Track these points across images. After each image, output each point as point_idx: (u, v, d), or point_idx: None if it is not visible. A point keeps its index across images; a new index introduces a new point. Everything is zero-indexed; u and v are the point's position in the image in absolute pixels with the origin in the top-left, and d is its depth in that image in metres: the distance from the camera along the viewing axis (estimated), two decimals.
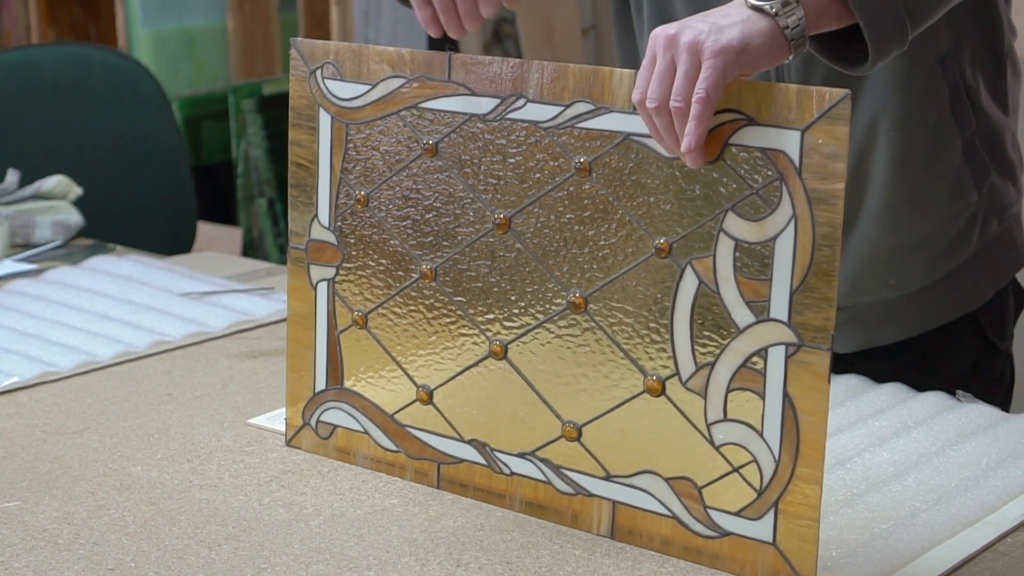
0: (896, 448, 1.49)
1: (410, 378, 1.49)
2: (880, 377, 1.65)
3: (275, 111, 3.52)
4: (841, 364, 1.68)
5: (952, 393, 1.63)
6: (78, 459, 1.52)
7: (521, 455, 1.42)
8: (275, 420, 1.61)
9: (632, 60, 1.67)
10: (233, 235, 3.45)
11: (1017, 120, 1.70)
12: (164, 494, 1.43)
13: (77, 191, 2.43)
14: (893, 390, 1.64)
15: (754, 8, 1.23)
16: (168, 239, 2.71)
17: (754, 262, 1.26)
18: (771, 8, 1.22)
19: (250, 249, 3.51)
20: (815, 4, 1.25)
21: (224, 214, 3.61)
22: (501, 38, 3.62)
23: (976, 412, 1.58)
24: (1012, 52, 1.66)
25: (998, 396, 1.69)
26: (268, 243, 3.52)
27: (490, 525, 1.37)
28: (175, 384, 1.74)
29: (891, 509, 1.36)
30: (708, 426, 1.30)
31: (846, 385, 1.65)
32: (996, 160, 1.64)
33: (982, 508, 1.37)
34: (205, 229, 3.30)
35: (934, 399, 1.61)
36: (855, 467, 1.45)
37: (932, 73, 1.55)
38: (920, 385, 1.63)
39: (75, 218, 2.39)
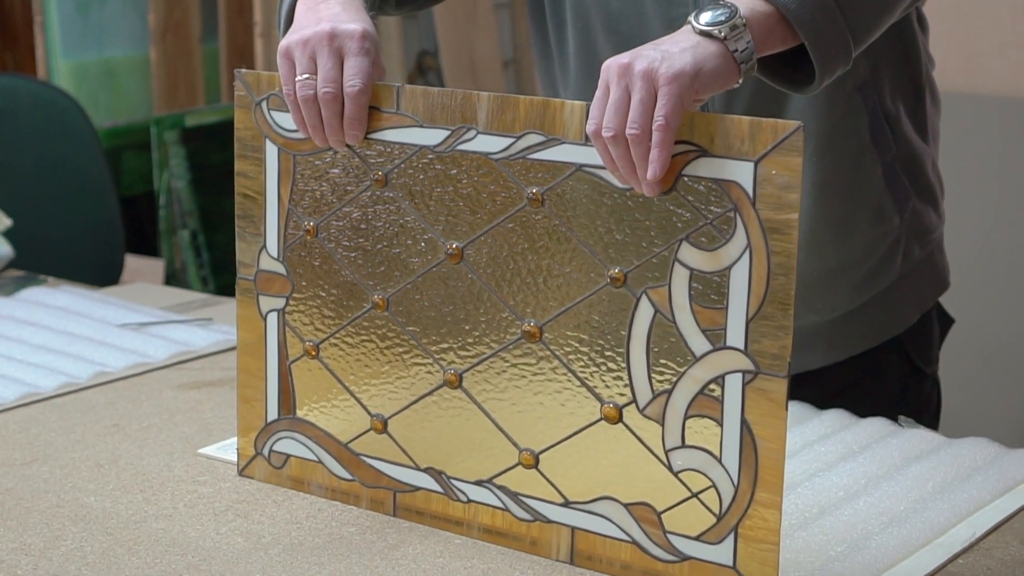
0: (844, 473, 1.52)
1: (364, 407, 1.49)
2: (810, 403, 1.68)
3: (198, 143, 3.50)
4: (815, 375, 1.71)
5: (890, 417, 1.66)
6: (29, 490, 1.50)
7: (478, 482, 1.42)
8: (225, 450, 1.61)
9: (554, 94, 1.68)
10: (155, 267, 3.43)
11: (937, 147, 1.74)
12: (120, 524, 1.42)
13: (6, 222, 2.41)
14: (836, 416, 1.67)
15: (703, 34, 1.25)
16: (96, 270, 2.69)
17: (709, 291, 1.27)
18: (720, 32, 1.25)
19: (172, 280, 3.49)
20: (761, 27, 1.27)
21: (145, 246, 3.58)
22: (424, 70, 3.63)
23: (918, 437, 1.61)
24: (931, 80, 1.70)
25: (926, 420, 1.72)
26: (191, 275, 3.50)
27: (449, 552, 1.38)
28: (120, 415, 1.72)
29: (844, 532, 1.39)
30: (666, 452, 1.32)
31: (790, 412, 1.68)
32: (917, 186, 1.67)
33: (932, 530, 1.40)
34: (127, 261, 3.28)
35: (877, 425, 1.64)
36: (806, 492, 1.48)
37: (851, 100, 1.58)
38: (851, 411, 1.67)
39: (4, 249, 2.36)
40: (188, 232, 3.49)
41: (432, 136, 1.40)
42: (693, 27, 1.26)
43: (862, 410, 1.66)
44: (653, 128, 1.22)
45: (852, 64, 1.34)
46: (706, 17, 1.26)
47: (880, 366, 1.71)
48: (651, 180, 1.24)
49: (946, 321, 1.79)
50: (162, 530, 1.41)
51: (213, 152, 3.46)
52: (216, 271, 3.42)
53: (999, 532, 1.41)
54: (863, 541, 1.37)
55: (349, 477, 1.50)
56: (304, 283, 1.51)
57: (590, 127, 1.26)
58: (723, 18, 1.25)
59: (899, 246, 1.67)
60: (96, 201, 2.77)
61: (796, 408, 1.68)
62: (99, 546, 1.38)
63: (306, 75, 1.37)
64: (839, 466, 1.53)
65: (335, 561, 1.35)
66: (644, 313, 1.31)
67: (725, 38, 1.25)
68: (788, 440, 1.57)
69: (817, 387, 1.71)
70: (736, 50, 1.26)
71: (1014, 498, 1.48)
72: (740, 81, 1.27)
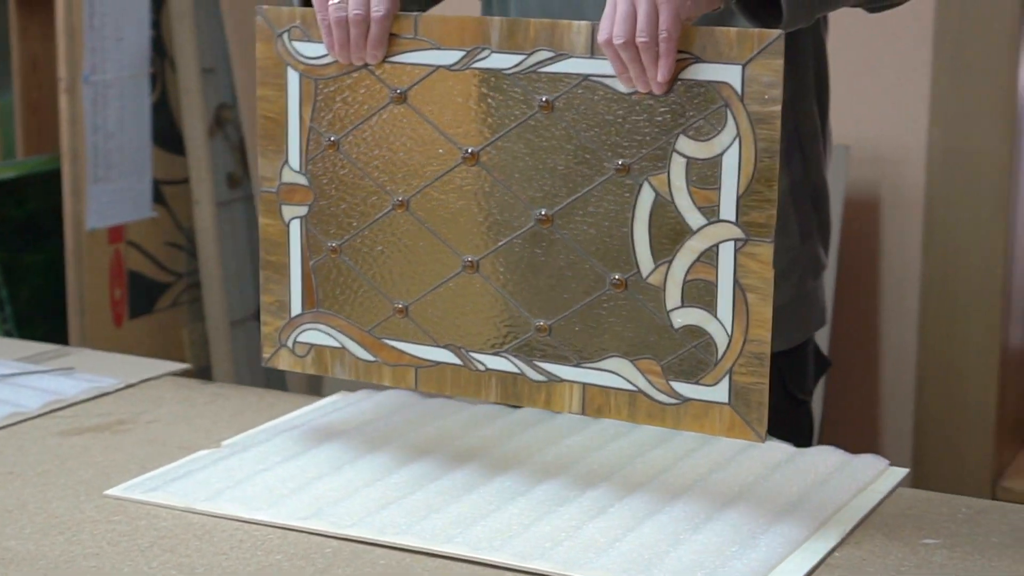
0: (718, 481, 1.65)
1: (385, 296, 1.68)
2: None
3: None
4: None
5: None
6: None
7: (495, 352, 1.63)
8: (132, 490, 1.66)
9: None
10: None
11: (828, 195, 1.90)
12: (51, 565, 1.47)
13: None
14: (696, 434, 1.80)
15: None
16: None
17: (705, 174, 1.50)
18: None
19: None
20: None
21: None
22: (222, 122, 3.69)
23: (773, 448, 1.76)
24: (829, 126, 1.88)
25: (799, 445, 1.87)
26: None
27: (380, 571, 1.46)
28: (12, 462, 1.76)
29: (734, 534, 1.52)
30: (668, 313, 1.55)
31: (659, 431, 1.80)
32: (819, 218, 1.84)
33: (806, 528, 1.54)
34: None
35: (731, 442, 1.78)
36: (691, 499, 1.60)
37: None
38: None
39: None
40: None
41: (448, 57, 1.61)
42: None
43: None
44: (659, 38, 1.46)
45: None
46: None
47: None
48: (661, 81, 1.48)
49: (823, 362, 1.95)
50: (95, 568, 1.46)
51: (11, 207, 3.45)
52: (20, 325, 3.41)
53: (863, 527, 1.57)
54: (751, 541, 1.51)
55: (372, 359, 1.70)
56: (327, 191, 1.70)
57: (602, 37, 1.49)
58: None
59: (795, 269, 1.83)
60: None
61: (659, 429, 1.81)
62: None
63: (339, 1, 1.62)
64: (712, 476, 1.67)
65: None
66: (646, 196, 1.54)
67: None
68: (666, 454, 1.72)
69: None
70: None
71: (868, 497, 1.64)
72: (721, 8, 1.54)
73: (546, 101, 1.57)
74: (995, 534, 1.55)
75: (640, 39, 1.47)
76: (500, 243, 1.62)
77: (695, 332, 1.54)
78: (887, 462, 1.73)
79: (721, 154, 1.50)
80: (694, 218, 1.52)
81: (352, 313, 1.71)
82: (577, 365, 1.60)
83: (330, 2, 1.63)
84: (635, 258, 1.56)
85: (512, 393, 1.64)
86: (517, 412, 1.87)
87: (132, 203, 3.50)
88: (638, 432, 1.81)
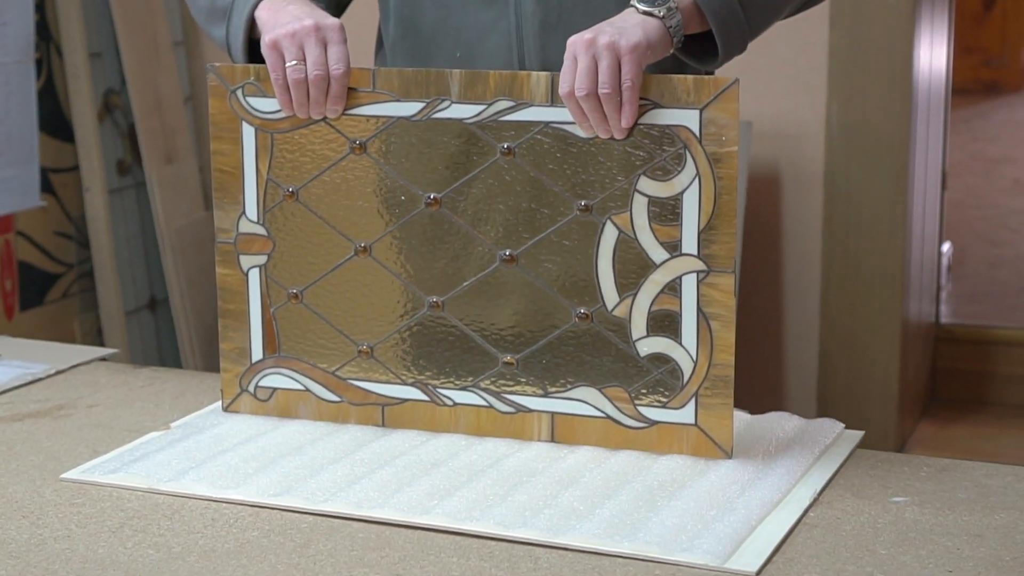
0: (673, 461, 1.65)
1: (350, 339, 1.69)
2: None
3: None
4: None
5: None
6: None
7: (463, 388, 1.65)
8: (89, 472, 1.62)
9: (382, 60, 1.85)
10: None
11: None
12: (23, 548, 1.43)
13: None
14: None
15: (645, 13, 1.58)
16: None
17: (666, 212, 1.56)
18: (659, 12, 1.58)
19: None
20: (686, 12, 1.61)
21: None
22: (111, 108, 3.61)
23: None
24: None
25: None
26: None
27: (360, 544, 1.44)
28: None
29: (710, 499, 1.53)
30: (633, 342, 1.59)
31: None
32: None
33: (778, 491, 1.56)
34: None
35: None
36: (660, 469, 1.61)
37: None
38: None
39: None
40: None
41: (408, 108, 1.64)
42: (636, 8, 1.59)
43: None
44: (623, 88, 1.54)
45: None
46: (647, 2, 1.58)
47: None
48: (625, 127, 1.56)
49: None
50: (67, 550, 1.43)
51: None
52: None
53: (831, 488, 1.59)
54: (728, 504, 1.52)
55: (337, 399, 1.70)
56: (286, 239, 1.71)
57: (563, 89, 1.56)
58: (662, 3, 1.58)
59: None
60: None
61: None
62: (12, 571, 1.38)
63: (295, 61, 1.64)
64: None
65: (258, 562, 1.40)
66: (609, 234, 1.59)
67: (663, 17, 1.58)
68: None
69: None
70: (670, 26, 1.59)
71: (830, 460, 1.66)
72: (671, 51, 1.61)
73: (507, 148, 1.62)
74: (959, 490, 1.57)
75: (603, 91, 1.54)
76: (465, 283, 1.65)
77: (661, 359, 1.61)
78: (842, 425, 1.75)
79: (681, 192, 1.57)
80: (657, 253, 1.59)
81: (315, 356, 1.72)
82: (545, 395, 1.65)
83: (286, 63, 1.64)
84: (600, 292, 1.61)
85: (481, 426, 1.67)
86: None
87: (21, 192, 3.41)
88: None
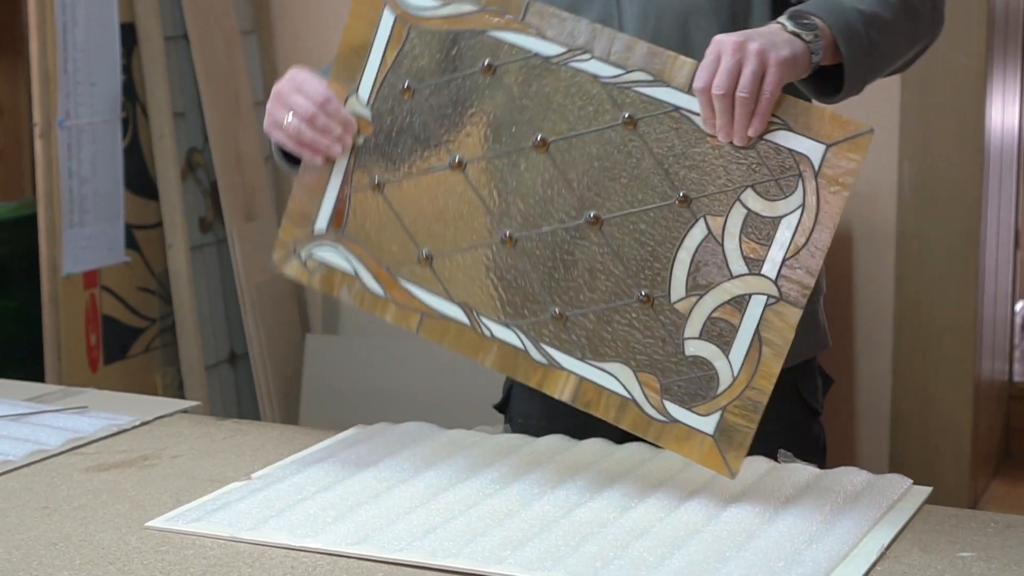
0: (753, 502, 1.67)
1: (414, 242, 1.72)
2: None
3: None
4: None
5: (772, 454, 1.84)
6: None
7: (505, 324, 1.68)
8: (173, 521, 1.67)
9: None
10: None
11: None
12: None
13: None
14: None
15: (794, 34, 1.61)
16: None
17: (760, 230, 1.57)
18: (807, 37, 1.61)
19: None
20: (825, 41, 1.63)
21: None
22: (193, 166, 3.70)
23: (798, 470, 1.79)
24: None
25: (815, 459, 1.91)
26: None
27: None
28: (46, 498, 1.76)
29: (777, 550, 1.55)
30: (683, 339, 1.61)
31: (669, 458, 1.83)
32: None
33: (845, 544, 1.57)
34: None
35: (759, 462, 1.81)
36: (729, 519, 1.63)
37: None
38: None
39: None
40: None
41: (549, 48, 1.66)
42: (784, 26, 1.61)
43: (761, 438, 1.83)
44: (760, 97, 1.56)
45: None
46: (796, 24, 1.61)
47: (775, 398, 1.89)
48: (751, 136, 1.57)
49: (827, 380, 2.00)
50: None
51: None
52: None
53: (899, 542, 1.61)
54: (795, 556, 1.54)
55: (382, 293, 1.73)
56: (388, 132, 1.74)
57: (699, 83, 1.57)
58: (811, 28, 1.61)
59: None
60: None
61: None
62: None
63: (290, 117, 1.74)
64: (745, 497, 1.70)
65: None
66: (698, 232, 1.61)
67: (809, 42, 1.61)
68: (693, 479, 1.75)
69: None
70: (812, 52, 1.62)
71: (898, 514, 1.68)
72: (804, 75, 1.62)
73: (629, 117, 1.64)
74: None
75: (741, 94, 1.55)
76: (544, 228, 1.67)
77: (702, 364, 1.62)
78: (910, 481, 1.77)
79: (781, 217, 1.58)
80: (737, 264, 1.60)
81: (375, 248, 1.75)
82: (581, 359, 1.66)
83: (285, 123, 1.76)
84: (669, 282, 1.63)
85: (510, 365, 1.70)
86: (540, 441, 1.89)
87: (106, 248, 3.50)
88: (661, 457, 1.83)
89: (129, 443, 1.98)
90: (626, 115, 1.64)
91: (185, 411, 2.15)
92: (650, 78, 1.62)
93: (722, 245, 1.61)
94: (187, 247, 3.62)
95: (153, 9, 3.54)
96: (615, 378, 1.65)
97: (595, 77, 1.65)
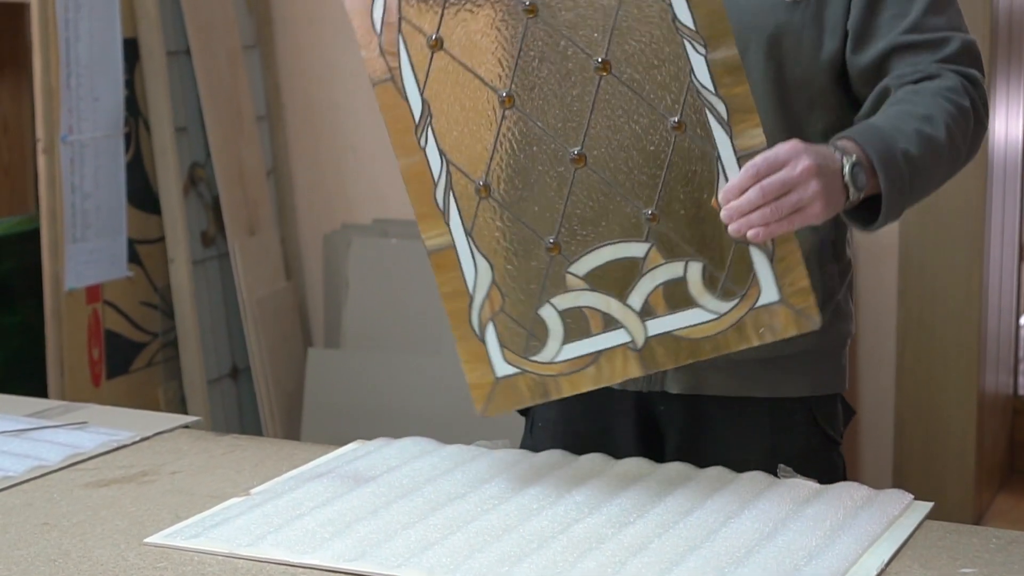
0: (752, 518, 1.67)
1: (469, 176, 1.73)
2: (744, 428, 1.89)
3: None
4: (717, 406, 1.91)
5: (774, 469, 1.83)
6: None
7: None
8: (172, 537, 1.66)
9: None
10: None
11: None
12: None
13: None
14: (718, 472, 1.83)
15: (845, 186, 1.65)
16: None
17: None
18: (852, 195, 1.66)
19: None
20: (866, 183, 1.67)
21: None
22: (195, 181, 3.70)
23: (798, 485, 1.79)
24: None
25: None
26: None
27: None
28: (45, 514, 1.76)
29: (777, 567, 1.55)
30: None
31: (668, 473, 1.83)
32: (842, 250, 1.91)
33: (845, 560, 1.57)
34: None
35: (759, 477, 1.81)
36: (728, 535, 1.63)
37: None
38: (764, 456, 1.84)
39: None
40: None
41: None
42: (843, 173, 1.65)
43: (772, 458, 1.83)
44: (783, 218, 1.60)
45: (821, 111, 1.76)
46: (852, 177, 1.65)
47: (788, 419, 1.91)
48: (749, 237, 1.62)
49: (848, 411, 2.00)
50: None
51: None
52: None
53: (899, 559, 1.60)
54: (795, 572, 1.54)
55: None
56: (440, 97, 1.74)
57: (752, 169, 1.60)
58: (860, 188, 1.66)
59: (831, 301, 1.89)
60: None
61: (680, 468, 1.84)
62: None
63: None
64: (745, 513, 1.70)
65: None
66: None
67: (848, 199, 1.66)
68: (692, 494, 1.74)
69: (754, 416, 1.91)
70: (850, 202, 1.66)
71: (898, 530, 1.67)
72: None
73: (679, 122, 1.67)
74: None
75: (774, 206, 1.59)
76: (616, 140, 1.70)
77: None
78: (911, 496, 1.77)
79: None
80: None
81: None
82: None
83: None
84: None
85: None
86: (538, 456, 1.89)
87: (108, 262, 3.50)
88: (660, 472, 1.83)
89: (128, 459, 1.98)
90: (675, 120, 1.68)
91: (186, 426, 2.15)
92: (724, 116, 1.66)
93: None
94: (189, 261, 3.62)
95: (155, 24, 3.55)
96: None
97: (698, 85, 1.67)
